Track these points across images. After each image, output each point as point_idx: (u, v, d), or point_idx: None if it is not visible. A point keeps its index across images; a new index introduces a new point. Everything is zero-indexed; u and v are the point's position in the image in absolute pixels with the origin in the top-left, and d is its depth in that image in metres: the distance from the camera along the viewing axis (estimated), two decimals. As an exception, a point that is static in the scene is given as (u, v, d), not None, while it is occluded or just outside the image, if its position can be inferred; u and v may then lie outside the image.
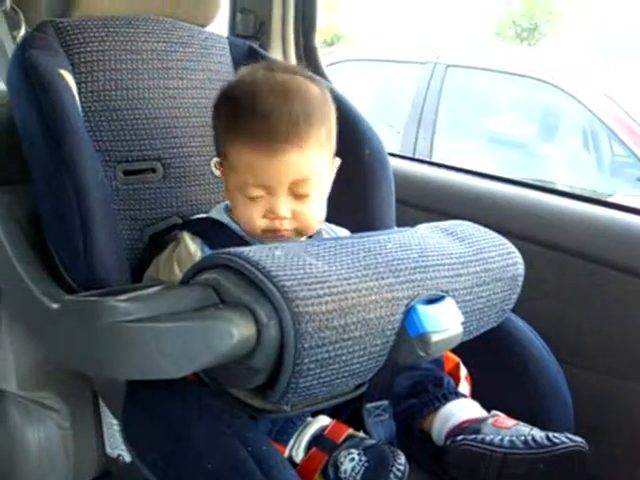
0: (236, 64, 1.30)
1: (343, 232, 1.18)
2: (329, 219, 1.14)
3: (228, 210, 1.10)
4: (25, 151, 1.05)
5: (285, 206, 1.02)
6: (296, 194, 1.02)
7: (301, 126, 1.00)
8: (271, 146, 0.99)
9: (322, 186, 1.06)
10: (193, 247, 1.04)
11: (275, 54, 1.67)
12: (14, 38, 1.50)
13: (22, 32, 1.37)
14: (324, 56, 1.86)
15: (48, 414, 1.15)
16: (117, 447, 1.13)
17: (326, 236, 1.14)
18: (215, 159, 1.10)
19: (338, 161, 1.11)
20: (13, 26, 1.49)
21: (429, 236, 0.99)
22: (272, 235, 1.03)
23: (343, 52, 4.41)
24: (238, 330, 0.75)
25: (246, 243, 1.04)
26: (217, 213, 1.11)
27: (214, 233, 1.07)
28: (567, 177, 3.29)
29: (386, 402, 1.03)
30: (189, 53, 1.24)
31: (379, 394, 1.02)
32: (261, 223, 1.03)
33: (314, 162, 1.03)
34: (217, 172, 1.13)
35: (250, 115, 1.00)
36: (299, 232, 1.05)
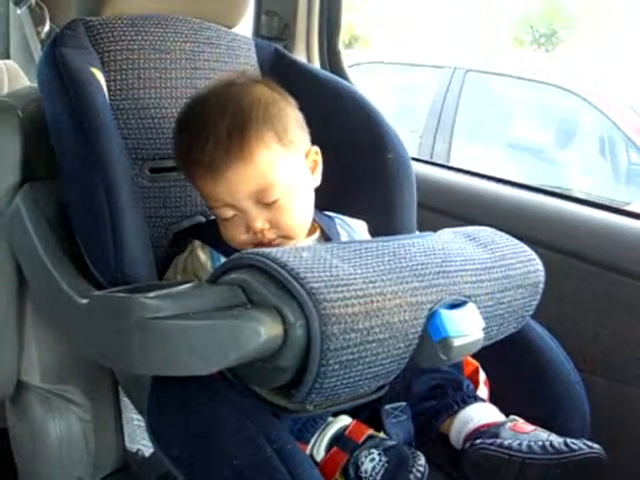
0: (262, 65, 1.32)
1: (358, 224, 1.19)
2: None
3: None
4: (55, 147, 1.06)
5: (259, 218, 1.02)
6: (265, 203, 1.02)
7: (240, 140, 1.00)
8: (214, 171, 1.00)
9: (294, 188, 1.05)
10: (203, 257, 1.07)
11: (299, 56, 1.68)
12: (38, 34, 1.51)
13: (46, 28, 1.39)
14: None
15: (70, 407, 1.16)
16: (136, 442, 1.15)
17: (340, 230, 1.16)
18: None
19: (315, 149, 1.10)
20: (37, 22, 1.51)
21: (452, 241, 0.99)
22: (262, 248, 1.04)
23: (362, 55, 4.43)
24: (266, 330, 0.76)
25: None
26: None
27: (223, 239, 1.08)
28: (583, 184, 3.29)
29: (404, 403, 1.04)
30: (216, 54, 1.25)
31: (397, 395, 1.03)
32: (245, 239, 1.03)
33: (269, 167, 1.01)
34: None
35: (189, 142, 1.02)
36: (286, 237, 1.05)
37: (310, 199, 1.09)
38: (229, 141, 0.99)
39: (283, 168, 1.03)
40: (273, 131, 1.02)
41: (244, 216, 1.02)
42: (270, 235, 1.03)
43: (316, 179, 1.11)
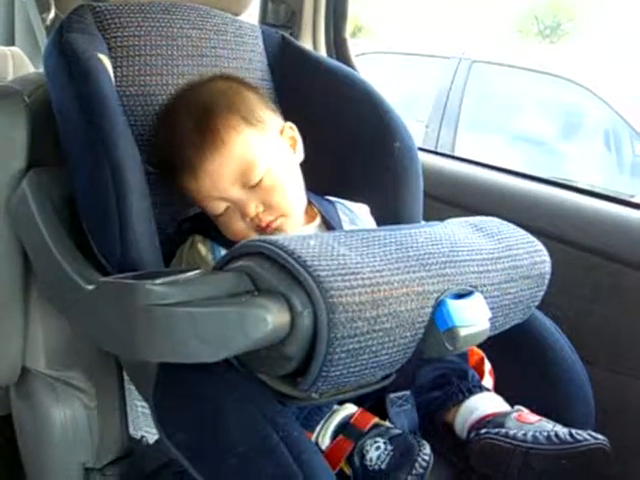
0: (269, 53, 1.31)
1: (359, 207, 1.19)
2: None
3: None
4: (61, 133, 1.06)
5: (251, 203, 1.04)
6: (251, 186, 1.04)
7: (207, 132, 1.03)
8: (192, 168, 1.03)
9: (275, 165, 1.06)
10: (204, 250, 1.07)
11: (305, 44, 1.67)
12: (43, 21, 1.51)
13: (51, 15, 1.38)
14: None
15: (75, 393, 1.16)
16: (140, 428, 1.15)
17: (342, 215, 1.16)
18: None
19: (289, 125, 1.13)
20: (42, 9, 1.50)
21: (459, 231, 0.99)
22: (265, 234, 1.05)
23: (367, 44, 4.42)
24: (273, 317, 0.76)
25: None
26: None
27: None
28: (587, 176, 3.28)
29: (408, 392, 1.04)
30: (223, 41, 1.25)
31: (402, 384, 1.03)
32: (245, 228, 1.05)
33: (244, 149, 1.04)
34: None
35: (167, 147, 1.06)
36: (284, 216, 1.06)
37: (297, 175, 1.11)
38: (198, 136, 1.02)
39: (258, 147, 1.05)
40: (238, 114, 1.05)
41: (236, 205, 1.04)
42: (267, 217, 1.05)
43: (298, 155, 1.14)
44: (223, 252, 1.05)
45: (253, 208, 1.04)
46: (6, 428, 1.25)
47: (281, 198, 1.06)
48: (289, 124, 1.13)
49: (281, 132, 1.11)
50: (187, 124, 1.04)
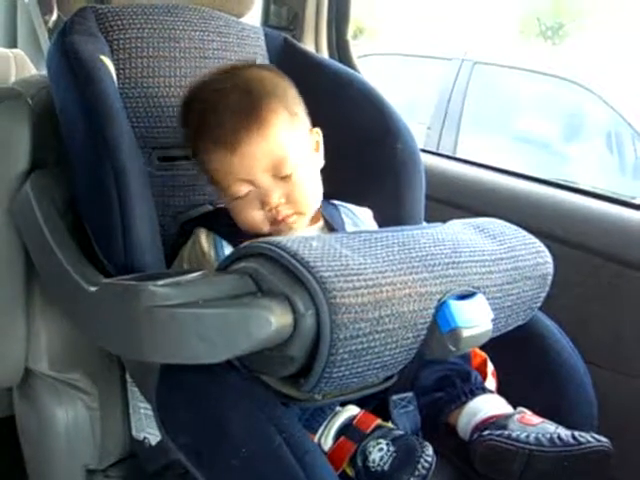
0: (271, 55, 1.32)
1: (363, 212, 1.19)
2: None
3: None
4: (64, 134, 1.06)
5: (276, 193, 1.03)
6: (280, 176, 1.04)
7: (254, 112, 1.02)
8: (230, 140, 1.01)
9: (304, 162, 1.07)
10: (206, 246, 1.06)
11: (308, 46, 1.68)
12: (45, 23, 1.51)
13: (54, 17, 1.39)
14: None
15: (77, 395, 1.16)
16: (143, 430, 1.15)
17: (345, 218, 1.16)
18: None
19: (316, 130, 1.13)
20: (44, 11, 1.51)
21: (461, 232, 0.99)
22: (277, 227, 1.05)
23: (369, 46, 4.42)
24: (276, 318, 0.76)
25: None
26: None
27: (231, 227, 1.08)
28: (589, 178, 3.28)
29: (411, 394, 1.04)
30: (225, 43, 1.25)
31: (404, 386, 1.03)
32: (260, 217, 1.04)
33: (284, 141, 1.04)
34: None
35: (203, 118, 1.04)
36: (300, 214, 1.06)
37: (319, 177, 1.11)
38: (243, 114, 1.01)
39: (294, 140, 1.05)
40: (282, 103, 1.05)
41: (259, 191, 1.03)
42: (286, 211, 1.05)
43: (320, 159, 1.13)
44: (226, 247, 1.05)
45: (276, 198, 1.03)
46: (9, 429, 1.25)
47: (304, 195, 1.06)
48: (317, 129, 1.12)
49: (310, 132, 1.11)
50: (231, 99, 1.02)
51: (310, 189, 1.07)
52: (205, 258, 1.06)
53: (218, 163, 1.04)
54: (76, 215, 1.04)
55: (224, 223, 1.08)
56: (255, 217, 1.05)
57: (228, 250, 1.05)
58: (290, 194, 1.04)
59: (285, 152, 1.03)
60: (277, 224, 1.05)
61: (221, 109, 1.02)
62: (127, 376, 1.14)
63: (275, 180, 1.04)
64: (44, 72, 1.17)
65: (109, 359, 1.15)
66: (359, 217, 1.18)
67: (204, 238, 1.07)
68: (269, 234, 1.04)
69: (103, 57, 1.08)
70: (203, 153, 1.06)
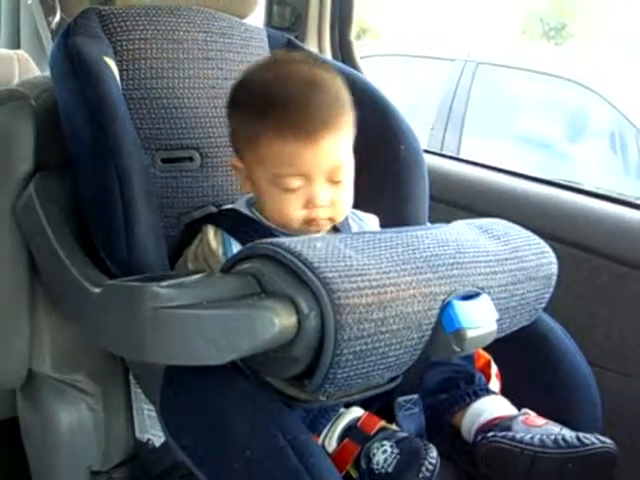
0: (274, 56, 1.31)
1: (370, 218, 1.19)
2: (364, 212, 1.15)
3: (251, 204, 1.11)
4: (67, 136, 1.07)
5: (325, 195, 1.03)
6: (332, 180, 1.03)
7: (334, 113, 1.02)
8: (311, 134, 1.00)
9: (351, 172, 1.07)
10: (214, 243, 1.06)
11: (311, 47, 1.67)
12: (49, 24, 1.51)
13: (57, 18, 1.39)
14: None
15: (81, 396, 1.16)
16: (146, 431, 1.15)
17: (352, 223, 1.16)
18: (235, 155, 1.09)
19: None
20: (47, 12, 1.51)
21: (466, 233, 0.99)
22: (307, 227, 1.04)
23: (372, 46, 4.42)
24: (280, 319, 0.76)
25: (269, 236, 1.05)
26: (240, 206, 1.12)
27: (240, 226, 1.08)
28: (593, 178, 3.27)
29: (416, 396, 1.03)
30: (229, 44, 1.25)
31: (410, 388, 1.03)
32: (299, 215, 1.03)
33: (346, 148, 1.05)
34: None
35: (284, 105, 1.00)
36: (333, 220, 1.06)
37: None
38: (326, 112, 1.01)
39: (351, 152, 1.07)
40: (351, 112, 1.06)
41: (310, 189, 1.03)
42: (325, 214, 1.05)
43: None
44: (235, 245, 1.05)
45: (324, 201, 1.03)
46: (12, 431, 1.25)
47: (345, 203, 1.07)
48: None
49: None
50: (317, 95, 1.02)
51: (349, 199, 1.08)
52: (213, 255, 1.05)
53: (285, 151, 1.01)
54: (80, 216, 1.04)
55: (231, 222, 1.08)
56: (294, 212, 1.03)
57: (236, 248, 1.04)
58: (334, 199, 1.04)
59: (344, 159, 1.04)
60: (309, 224, 1.04)
61: (304, 104, 1.01)
62: (131, 377, 1.14)
63: (327, 183, 1.04)
64: (47, 73, 1.17)
65: (113, 360, 1.15)
66: (366, 223, 1.18)
67: (212, 235, 1.06)
68: (294, 232, 1.04)
69: (107, 58, 1.08)
70: (264, 139, 1.02)
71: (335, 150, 1.02)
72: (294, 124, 1.00)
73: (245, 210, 1.10)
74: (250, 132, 1.04)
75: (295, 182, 1.02)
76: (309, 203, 1.03)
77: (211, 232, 1.07)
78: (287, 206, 1.03)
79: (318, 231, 1.06)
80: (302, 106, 1.00)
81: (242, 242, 1.04)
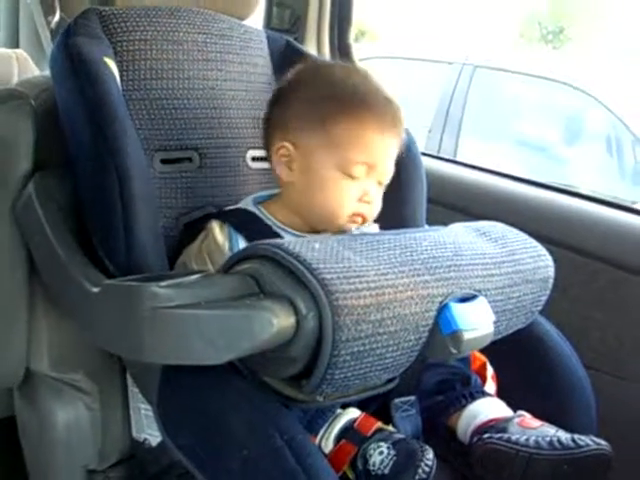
0: (273, 58, 1.32)
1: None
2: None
3: (257, 202, 1.11)
4: (67, 136, 1.07)
5: (374, 191, 1.06)
6: (379, 181, 1.07)
7: (401, 120, 1.07)
8: (386, 129, 1.04)
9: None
10: (221, 238, 1.05)
11: (310, 49, 1.68)
12: (48, 24, 1.51)
13: (56, 18, 1.39)
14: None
15: (78, 395, 1.16)
16: (143, 431, 1.15)
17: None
18: (283, 142, 1.07)
19: None
20: (47, 12, 1.51)
21: (463, 235, 1.00)
22: (348, 224, 1.06)
23: (370, 48, 4.43)
24: (278, 320, 0.77)
25: (276, 234, 1.06)
26: (247, 205, 1.12)
27: (247, 224, 1.08)
28: (589, 182, 3.28)
29: (413, 397, 1.04)
30: (228, 45, 1.25)
31: (407, 389, 1.03)
32: (352, 207, 1.05)
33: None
34: (279, 157, 1.08)
35: (363, 95, 1.05)
36: (367, 220, 1.08)
37: None
38: (398, 113, 1.07)
39: None
40: None
41: (366, 183, 1.05)
42: (369, 212, 1.07)
43: None
44: (241, 241, 1.05)
45: (372, 197, 1.06)
46: (9, 430, 1.25)
47: (377, 207, 1.08)
48: None
49: None
50: (386, 97, 1.06)
51: (379, 205, 1.09)
52: (219, 250, 1.05)
53: (364, 138, 1.04)
54: (79, 216, 1.04)
55: (237, 219, 1.08)
56: (349, 203, 1.05)
57: (242, 244, 1.04)
58: (375, 201, 1.07)
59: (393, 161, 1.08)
60: (352, 219, 1.06)
61: (379, 99, 1.05)
62: (128, 377, 1.14)
63: (377, 183, 1.07)
64: (47, 72, 1.17)
65: (110, 360, 1.15)
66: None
67: (218, 230, 1.06)
68: (336, 228, 1.05)
69: (107, 59, 1.08)
70: (345, 121, 1.03)
71: (394, 152, 1.07)
72: (375, 115, 1.04)
73: (252, 208, 1.10)
74: (320, 115, 1.04)
75: (361, 171, 1.04)
76: (365, 196, 1.05)
77: (217, 227, 1.07)
78: (346, 195, 1.04)
79: (351, 231, 1.07)
80: (380, 100, 1.05)
81: (248, 239, 1.04)
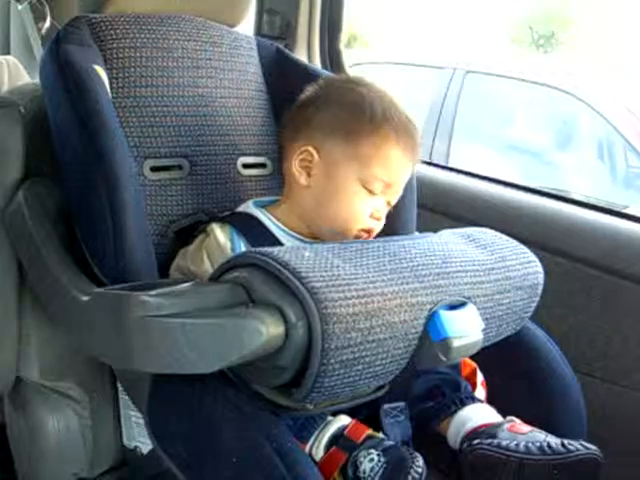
0: (263, 65, 1.32)
1: None
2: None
3: (261, 206, 1.11)
4: (56, 143, 1.07)
5: (384, 210, 1.08)
6: (389, 201, 1.09)
7: (418, 145, 1.10)
8: (409, 150, 1.07)
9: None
10: (222, 238, 1.06)
11: (300, 55, 1.68)
12: (39, 30, 1.51)
13: (47, 24, 1.39)
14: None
15: (68, 403, 1.16)
16: (134, 438, 1.15)
17: None
18: (307, 146, 1.07)
19: None
20: (38, 18, 1.51)
21: (452, 242, 1.00)
22: (359, 235, 1.07)
23: (361, 54, 4.43)
24: (267, 329, 0.77)
25: (278, 240, 1.07)
26: (248, 208, 1.12)
27: (248, 227, 1.08)
28: (580, 187, 3.29)
29: (403, 403, 1.04)
30: (219, 53, 1.25)
31: (396, 395, 1.04)
32: (366, 222, 1.06)
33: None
34: (297, 164, 1.08)
35: (391, 116, 1.06)
36: (372, 234, 1.09)
37: None
38: (418, 138, 1.09)
39: None
40: None
41: (378, 200, 1.07)
42: (377, 226, 1.08)
43: None
44: (242, 244, 1.05)
45: (382, 214, 1.08)
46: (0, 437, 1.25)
47: (381, 226, 1.09)
48: None
49: None
50: (412, 130, 1.09)
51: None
52: (220, 249, 1.05)
53: (390, 157, 1.06)
54: (68, 224, 1.04)
55: (238, 221, 1.08)
56: (364, 217, 1.06)
57: (244, 246, 1.05)
58: (382, 219, 1.09)
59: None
60: (360, 233, 1.07)
61: (404, 118, 1.08)
62: (119, 385, 1.14)
63: (386, 202, 1.09)
64: (37, 79, 1.17)
65: (100, 368, 1.15)
66: None
67: (219, 231, 1.06)
68: (341, 239, 1.05)
69: (96, 67, 1.08)
70: (377, 138, 1.05)
71: (409, 175, 1.11)
72: (401, 135, 1.06)
73: (256, 212, 1.11)
74: (352, 128, 1.06)
75: (379, 187, 1.06)
76: (376, 212, 1.07)
77: (217, 228, 1.07)
78: (361, 208, 1.06)
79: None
80: (403, 121, 1.07)
81: (250, 241, 1.05)
